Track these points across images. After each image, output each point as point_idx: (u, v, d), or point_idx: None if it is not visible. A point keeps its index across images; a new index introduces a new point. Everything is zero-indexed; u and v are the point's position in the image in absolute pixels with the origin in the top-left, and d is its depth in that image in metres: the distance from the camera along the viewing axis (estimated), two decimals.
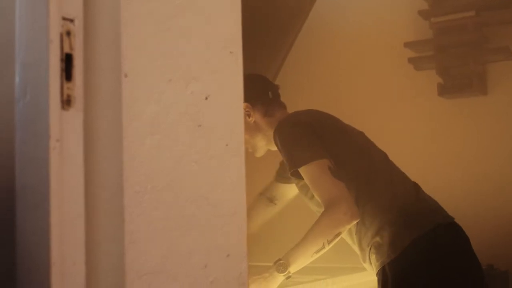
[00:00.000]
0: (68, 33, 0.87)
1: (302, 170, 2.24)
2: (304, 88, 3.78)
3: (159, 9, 0.94)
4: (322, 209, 2.23)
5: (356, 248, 2.37)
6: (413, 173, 2.48)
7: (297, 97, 3.44)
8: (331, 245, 2.17)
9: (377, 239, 2.25)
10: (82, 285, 0.83)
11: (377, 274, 2.28)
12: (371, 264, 2.31)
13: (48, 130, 0.81)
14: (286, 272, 2.16)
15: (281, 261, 2.17)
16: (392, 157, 2.47)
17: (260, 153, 2.57)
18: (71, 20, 0.87)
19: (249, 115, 2.49)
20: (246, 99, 2.46)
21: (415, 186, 2.41)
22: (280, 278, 2.18)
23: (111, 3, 0.89)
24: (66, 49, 0.86)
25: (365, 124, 3.10)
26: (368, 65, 3.66)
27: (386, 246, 2.23)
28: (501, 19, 3.31)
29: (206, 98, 0.98)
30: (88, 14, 0.89)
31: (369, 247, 2.29)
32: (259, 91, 2.54)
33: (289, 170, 2.29)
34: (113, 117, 0.87)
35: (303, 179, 2.28)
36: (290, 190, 2.71)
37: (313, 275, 2.53)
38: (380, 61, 3.67)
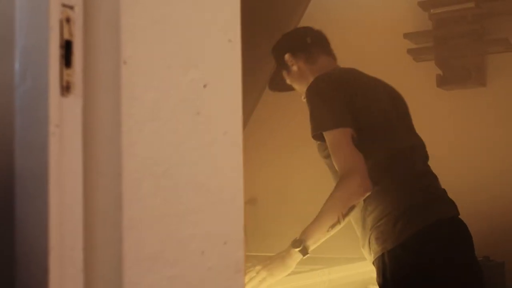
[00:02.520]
0: (68, 20, 0.87)
1: (325, 136, 2.24)
2: None
3: None
4: (334, 172, 2.25)
5: (358, 227, 2.35)
6: None
7: None
8: (346, 219, 2.16)
9: (382, 222, 2.24)
10: (80, 270, 0.84)
11: (375, 262, 2.27)
12: (370, 249, 2.29)
13: (47, 116, 0.82)
14: (301, 247, 2.14)
15: (297, 238, 2.16)
16: None
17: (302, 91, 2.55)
18: (71, 7, 0.87)
19: (292, 64, 2.53)
20: (288, 50, 2.52)
21: (434, 177, 2.40)
22: (297, 255, 2.16)
23: None
24: (66, 36, 0.86)
25: None
26: (368, 56, 3.67)
27: (389, 233, 2.22)
28: (500, 11, 3.32)
29: (205, 86, 0.98)
30: (88, 1, 0.89)
31: (371, 230, 2.27)
32: (297, 38, 2.60)
33: (312, 131, 2.29)
34: (112, 103, 0.87)
35: (323, 141, 2.28)
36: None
37: (310, 265, 2.54)
38: (380, 52, 3.68)
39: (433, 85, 3.41)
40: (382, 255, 2.23)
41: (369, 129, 2.29)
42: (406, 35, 3.46)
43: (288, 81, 2.60)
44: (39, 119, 0.83)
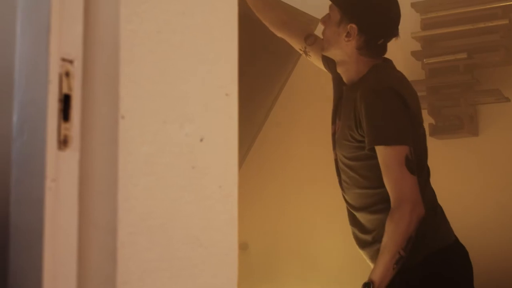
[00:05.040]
0: (67, 74, 0.88)
1: (379, 148, 2.13)
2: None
3: (157, 50, 0.95)
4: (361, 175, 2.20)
5: (368, 237, 2.29)
6: None
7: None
8: (406, 251, 2.08)
9: None
10: None
11: None
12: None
13: (44, 170, 0.82)
14: None
15: (366, 282, 2.09)
16: None
17: (327, 53, 2.41)
18: (71, 61, 0.88)
19: (349, 36, 2.27)
20: (358, 22, 2.25)
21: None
22: None
23: (110, 45, 0.90)
24: (65, 90, 0.87)
25: None
26: None
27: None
28: (492, 62, 3.36)
29: (201, 140, 0.99)
30: (87, 56, 0.90)
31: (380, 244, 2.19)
32: (378, 26, 2.31)
33: (370, 143, 2.15)
34: (109, 157, 0.88)
35: (357, 142, 2.18)
36: (319, 62, 2.58)
37: None
38: None
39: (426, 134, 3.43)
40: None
41: (418, 147, 2.20)
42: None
43: (329, 41, 2.34)
44: (36, 172, 0.83)
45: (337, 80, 2.45)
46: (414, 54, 3.47)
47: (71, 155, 0.86)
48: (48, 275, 0.81)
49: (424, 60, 3.44)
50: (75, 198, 0.85)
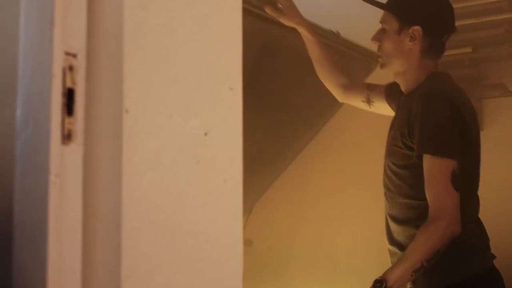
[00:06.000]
0: (71, 68, 0.87)
1: (426, 157, 2.08)
2: None
3: (161, 44, 0.95)
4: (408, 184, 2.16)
5: (394, 248, 2.25)
6: None
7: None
8: (430, 264, 2.04)
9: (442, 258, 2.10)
10: None
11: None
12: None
13: (48, 165, 0.82)
14: None
15: (379, 278, 2.06)
16: None
17: (387, 68, 2.36)
18: (74, 55, 0.88)
19: (413, 40, 2.25)
20: (422, 22, 2.24)
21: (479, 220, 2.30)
22: None
23: (114, 39, 0.90)
24: (69, 84, 0.87)
25: (368, 164, 3.10)
26: None
27: (449, 269, 2.12)
28: (497, 56, 3.34)
29: (206, 134, 0.99)
30: (91, 50, 0.90)
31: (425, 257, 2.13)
32: (441, 22, 2.31)
33: (418, 150, 2.11)
34: (113, 152, 0.87)
35: (409, 151, 2.14)
36: (386, 110, 2.55)
37: None
38: None
39: None
40: None
41: (466, 167, 2.13)
42: None
43: (389, 53, 2.32)
44: (40, 167, 0.83)
45: (397, 94, 2.44)
46: None
47: (75, 149, 0.85)
48: (53, 270, 0.80)
49: None
50: (80, 192, 0.85)
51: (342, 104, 2.92)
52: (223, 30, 1.05)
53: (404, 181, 2.21)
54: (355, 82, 2.70)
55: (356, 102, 2.70)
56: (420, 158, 2.11)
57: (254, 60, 2.54)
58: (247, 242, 3.97)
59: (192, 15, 0.99)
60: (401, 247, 2.23)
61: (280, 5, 2.50)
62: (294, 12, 2.51)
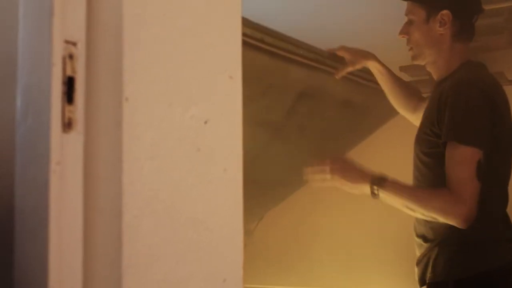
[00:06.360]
0: (71, 56, 0.87)
1: (452, 144, 2.05)
2: None
3: (161, 34, 0.95)
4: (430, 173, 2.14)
5: (419, 240, 2.22)
6: None
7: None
8: (418, 215, 2.06)
9: (461, 247, 2.11)
10: None
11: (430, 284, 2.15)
12: (429, 264, 2.16)
13: (48, 153, 0.82)
14: (375, 187, 2.07)
15: (379, 176, 2.08)
16: None
17: (419, 59, 2.35)
18: (74, 44, 0.88)
19: (443, 24, 2.23)
20: (449, 6, 2.21)
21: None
22: (365, 186, 2.10)
23: (114, 28, 0.89)
24: (68, 72, 0.86)
25: (364, 150, 3.10)
26: None
27: (466, 261, 2.10)
28: (496, 45, 3.34)
29: (205, 123, 0.99)
30: (90, 38, 0.90)
31: (434, 245, 2.14)
32: (471, 2, 2.28)
33: (445, 137, 2.06)
34: (114, 140, 0.87)
35: (437, 138, 2.11)
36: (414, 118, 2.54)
37: None
38: None
39: None
40: (445, 283, 2.11)
41: (495, 159, 2.12)
42: (402, 68, 3.47)
43: (419, 44, 2.31)
44: (40, 156, 0.83)
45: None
46: None
47: (76, 138, 0.85)
48: (54, 259, 0.80)
49: None
50: (80, 181, 0.85)
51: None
52: (222, 19, 1.05)
53: (433, 171, 2.17)
54: (421, 98, 2.67)
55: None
56: (446, 145, 2.08)
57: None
58: (247, 232, 3.98)
59: (191, 5, 0.99)
60: (425, 239, 2.20)
61: (340, 54, 2.56)
62: (362, 53, 2.58)
